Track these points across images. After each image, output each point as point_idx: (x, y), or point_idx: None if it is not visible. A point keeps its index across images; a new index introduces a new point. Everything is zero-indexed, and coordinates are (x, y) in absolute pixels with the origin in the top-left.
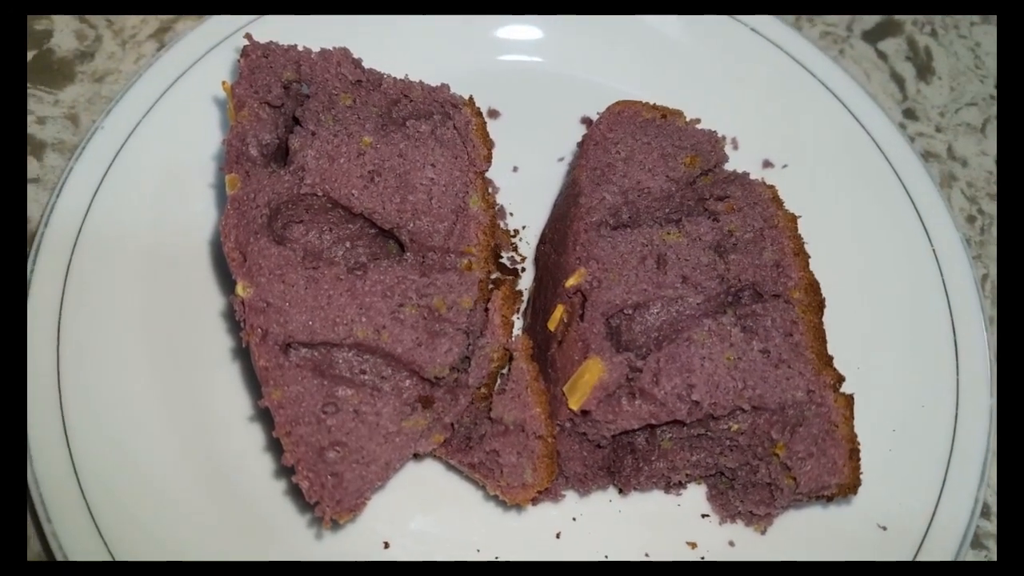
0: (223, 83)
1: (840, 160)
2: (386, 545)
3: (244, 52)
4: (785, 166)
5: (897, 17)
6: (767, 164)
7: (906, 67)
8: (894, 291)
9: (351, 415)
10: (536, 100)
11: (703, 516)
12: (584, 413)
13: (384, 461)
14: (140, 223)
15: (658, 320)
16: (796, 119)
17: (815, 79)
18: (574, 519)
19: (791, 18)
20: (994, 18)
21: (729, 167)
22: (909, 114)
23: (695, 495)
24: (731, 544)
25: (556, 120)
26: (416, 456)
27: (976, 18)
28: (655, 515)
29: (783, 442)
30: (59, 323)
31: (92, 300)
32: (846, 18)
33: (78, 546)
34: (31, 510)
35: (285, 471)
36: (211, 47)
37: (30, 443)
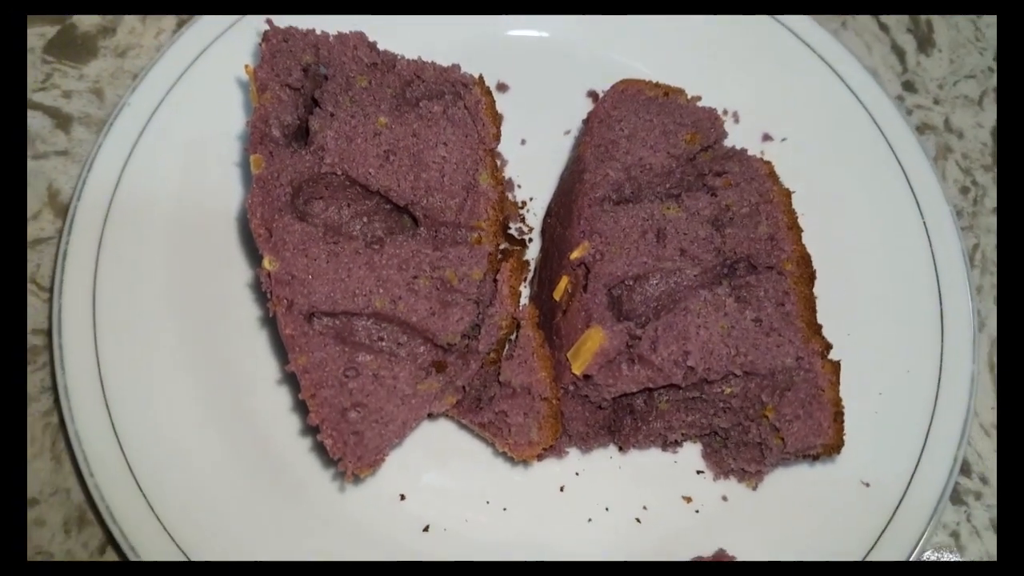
0: (246, 67)
1: (837, 134)
2: (402, 497)
3: (265, 37)
4: (784, 139)
5: None
6: (767, 137)
7: (907, 39)
8: (885, 261)
9: (371, 379)
10: (543, 74)
11: (698, 472)
12: (586, 377)
13: (401, 421)
14: (168, 198)
15: (657, 291)
16: (795, 93)
17: (814, 53)
18: (577, 474)
19: None
20: None
21: (730, 140)
22: (908, 86)
23: (691, 452)
24: (724, 499)
25: (563, 94)
26: (430, 416)
27: None
28: (653, 471)
29: (772, 405)
30: (94, 293)
31: (125, 271)
32: None
33: (118, 499)
34: (74, 464)
35: (311, 430)
36: (231, 23)
37: (72, 407)
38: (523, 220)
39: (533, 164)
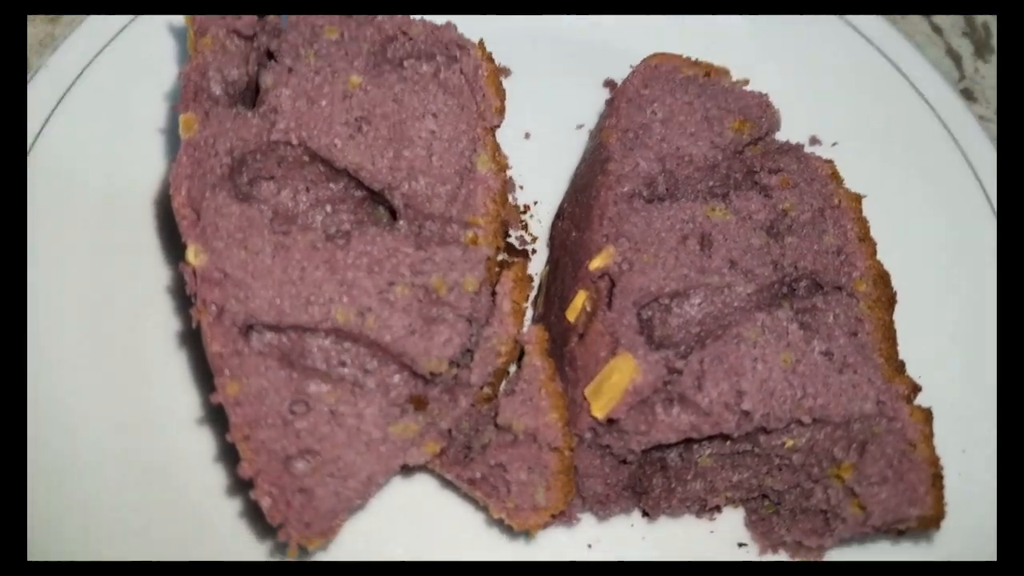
0: None
1: (897, 139)
2: None
3: None
4: (835, 144)
5: None
6: (814, 141)
7: (963, 43)
8: (962, 289)
9: (325, 417)
10: (553, 58)
11: (740, 545)
12: (610, 422)
13: (365, 475)
14: (76, 177)
15: (701, 312)
16: (848, 91)
17: (869, 44)
18: (590, 546)
19: None
20: None
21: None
22: (967, 94)
23: (731, 519)
24: None
25: (576, 82)
26: (405, 469)
27: None
28: (684, 543)
29: (850, 463)
30: None
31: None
32: None
33: None
34: None
35: (242, 485)
36: None
37: None
38: (525, 227)
39: (538, 162)
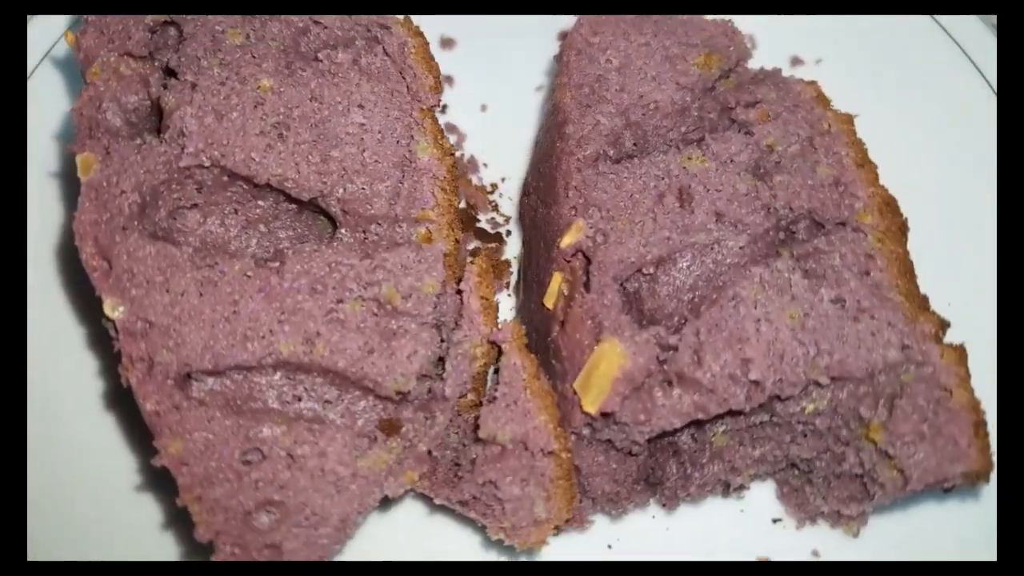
0: (66, 34)
1: (891, 49)
2: None
3: None
4: (819, 61)
5: None
6: (796, 61)
7: None
8: (975, 200)
9: (284, 462)
10: (499, 18)
11: (774, 521)
12: (605, 416)
13: (339, 517)
14: None
15: (691, 276)
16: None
17: None
18: (609, 546)
19: None
20: None
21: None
22: None
23: (761, 494)
24: (815, 553)
25: (528, 39)
26: (386, 502)
27: None
28: (714, 528)
29: (879, 422)
30: None
31: None
32: None
33: None
34: None
35: (200, 549)
36: None
37: None
38: (496, 208)
39: (500, 134)
